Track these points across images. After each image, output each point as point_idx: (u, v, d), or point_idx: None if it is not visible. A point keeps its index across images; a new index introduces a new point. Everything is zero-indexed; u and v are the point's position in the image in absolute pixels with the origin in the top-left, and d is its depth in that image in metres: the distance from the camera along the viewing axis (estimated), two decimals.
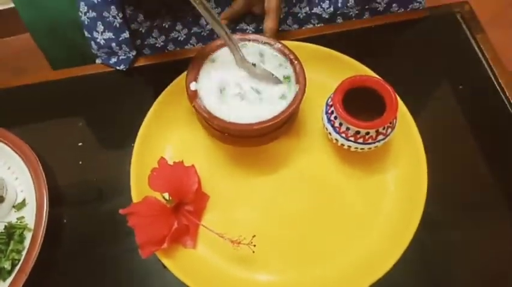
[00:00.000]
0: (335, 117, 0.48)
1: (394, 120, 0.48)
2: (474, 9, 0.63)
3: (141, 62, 0.62)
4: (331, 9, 0.63)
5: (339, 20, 0.64)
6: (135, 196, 0.49)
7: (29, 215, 0.52)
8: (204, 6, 0.46)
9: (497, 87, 0.57)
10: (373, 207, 0.50)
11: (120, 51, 0.61)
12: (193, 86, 0.49)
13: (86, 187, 0.55)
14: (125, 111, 0.58)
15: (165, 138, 0.54)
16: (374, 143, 0.48)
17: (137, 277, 0.49)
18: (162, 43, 0.64)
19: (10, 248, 0.49)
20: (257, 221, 0.50)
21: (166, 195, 0.48)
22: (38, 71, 0.68)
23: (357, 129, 0.47)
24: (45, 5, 0.67)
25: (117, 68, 0.61)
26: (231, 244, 0.45)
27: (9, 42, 1.42)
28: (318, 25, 0.65)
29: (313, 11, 0.64)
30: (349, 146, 0.49)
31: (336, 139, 0.49)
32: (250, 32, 0.65)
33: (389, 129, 0.48)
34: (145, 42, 0.64)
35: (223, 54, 0.52)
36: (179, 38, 0.65)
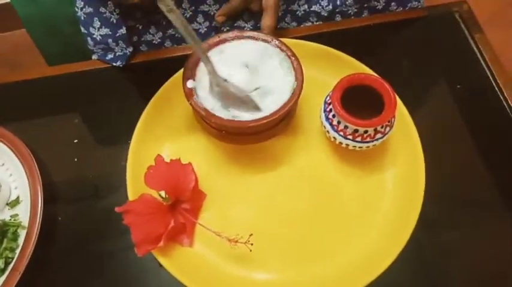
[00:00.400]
0: (333, 116, 0.48)
1: (393, 119, 0.48)
2: (473, 9, 0.63)
3: (138, 59, 0.61)
4: (330, 7, 0.63)
5: (338, 18, 0.64)
6: (131, 194, 0.49)
7: (23, 213, 0.51)
8: (176, 14, 0.44)
9: (496, 87, 0.57)
10: (371, 206, 0.50)
11: (116, 48, 0.60)
12: (190, 83, 0.48)
13: (82, 185, 0.54)
14: (122, 108, 0.58)
15: (161, 136, 0.54)
16: (372, 141, 0.48)
17: (133, 276, 0.48)
18: (159, 40, 0.64)
19: (3, 246, 0.48)
20: (254, 220, 0.49)
21: (162, 193, 0.47)
22: (34, 66, 0.68)
23: (355, 127, 0.46)
24: (42, 0, 0.66)
25: (114, 64, 0.61)
26: (228, 243, 0.44)
27: (5, 37, 1.41)
28: (317, 23, 0.64)
29: (311, 9, 0.63)
30: (347, 145, 0.49)
31: (334, 137, 0.49)
32: (248, 29, 0.64)
33: (388, 128, 0.48)
34: (142, 39, 0.64)
35: (220, 51, 0.51)
36: (176, 35, 0.64)
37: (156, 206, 0.46)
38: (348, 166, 0.52)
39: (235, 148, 0.53)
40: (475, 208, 0.51)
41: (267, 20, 0.57)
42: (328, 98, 0.49)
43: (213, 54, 0.50)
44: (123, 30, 0.59)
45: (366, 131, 0.47)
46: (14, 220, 0.51)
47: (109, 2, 0.57)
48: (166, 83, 0.54)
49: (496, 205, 0.51)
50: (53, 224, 0.51)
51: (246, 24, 0.64)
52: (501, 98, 0.56)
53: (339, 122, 0.48)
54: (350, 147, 0.49)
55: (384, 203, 0.49)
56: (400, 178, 0.50)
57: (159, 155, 0.48)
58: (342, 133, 0.48)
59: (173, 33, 0.64)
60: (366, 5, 0.64)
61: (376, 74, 0.51)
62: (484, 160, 0.53)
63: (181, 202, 0.48)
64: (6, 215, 0.51)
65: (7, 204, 0.52)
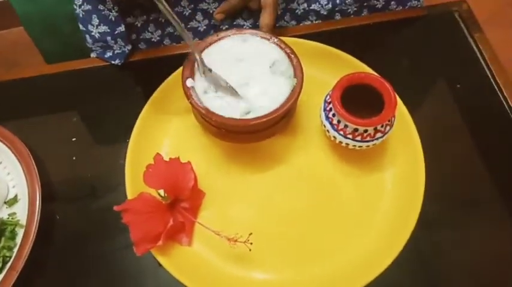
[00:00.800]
0: (333, 115, 0.48)
1: (393, 118, 0.48)
2: (472, 9, 0.63)
3: (136, 57, 0.61)
4: (330, 5, 0.62)
5: (337, 16, 0.64)
6: (130, 193, 0.48)
7: (20, 212, 0.51)
8: (163, 4, 0.45)
9: (495, 86, 0.57)
10: (371, 205, 0.49)
11: (115, 45, 0.60)
12: (189, 82, 0.48)
13: (80, 183, 0.54)
14: (120, 106, 0.58)
15: (160, 134, 0.53)
16: (372, 141, 0.47)
17: (131, 275, 0.48)
18: (158, 38, 0.64)
19: (1, 245, 0.48)
20: (254, 219, 0.49)
21: (161, 192, 0.47)
22: (32, 64, 0.67)
23: (355, 126, 0.46)
24: None
25: (112, 62, 0.60)
26: (227, 242, 0.44)
27: (3, 35, 1.40)
28: (316, 22, 0.64)
29: (311, 8, 0.63)
30: (347, 144, 0.48)
31: (334, 137, 0.49)
32: (247, 27, 0.64)
33: (388, 127, 0.48)
34: (141, 37, 0.63)
35: (219, 49, 0.51)
36: (175, 33, 0.64)
37: (155, 205, 0.45)
38: (347, 165, 0.51)
39: (234, 146, 0.53)
40: (474, 208, 0.51)
41: (265, 18, 0.57)
42: (328, 97, 0.49)
43: (212, 51, 0.50)
44: (121, 28, 0.59)
45: (365, 131, 0.47)
46: (12, 218, 0.50)
47: (107, 0, 0.57)
48: (165, 82, 0.54)
49: (496, 204, 0.51)
50: (51, 223, 0.51)
51: (245, 23, 0.64)
52: (500, 97, 0.56)
53: (338, 121, 0.47)
54: (350, 146, 0.49)
55: (384, 203, 0.49)
56: (400, 177, 0.50)
57: (158, 153, 0.47)
58: (341, 132, 0.48)
59: (172, 31, 0.64)
60: (365, 4, 0.64)
61: (376, 73, 0.51)
62: (484, 160, 0.53)
63: (181, 200, 0.47)
64: (4, 214, 0.51)
65: (5, 202, 0.52)
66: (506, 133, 0.55)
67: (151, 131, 0.53)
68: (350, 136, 0.47)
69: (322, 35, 0.61)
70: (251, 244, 0.44)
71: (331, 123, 0.48)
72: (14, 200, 0.52)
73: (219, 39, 0.51)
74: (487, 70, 0.58)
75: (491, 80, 0.57)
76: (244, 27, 0.64)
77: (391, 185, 0.50)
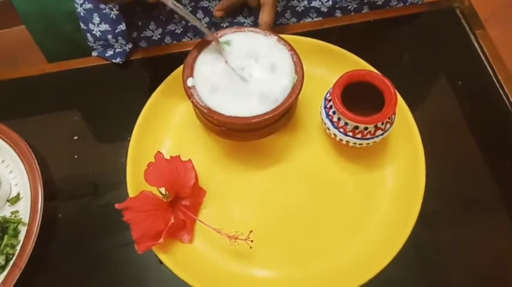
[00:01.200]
0: (334, 112, 0.48)
1: (393, 116, 0.48)
2: (474, 7, 0.63)
3: (137, 55, 0.61)
4: (330, 2, 0.62)
5: (338, 13, 0.64)
6: (131, 191, 0.48)
7: (23, 210, 0.51)
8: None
9: (497, 83, 0.57)
10: (371, 203, 0.49)
11: (116, 44, 0.60)
12: (190, 81, 0.48)
13: (81, 181, 0.54)
14: (121, 105, 0.58)
15: (161, 133, 0.54)
16: (372, 138, 0.47)
17: (133, 272, 0.49)
18: (159, 36, 0.64)
19: (4, 242, 0.48)
20: (254, 217, 0.49)
21: (162, 190, 0.47)
22: (33, 63, 0.67)
23: (355, 124, 0.46)
24: None
25: (113, 61, 0.60)
26: (228, 239, 0.44)
27: (4, 34, 1.40)
28: (317, 19, 0.64)
29: (311, 5, 0.63)
30: (348, 141, 0.48)
31: (335, 134, 0.49)
32: (247, 25, 0.64)
33: (388, 125, 0.48)
34: (142, 35, 0.63)
35: (219, 48, 0.51)
36: (176, 31, 0.64)
37: (156, 202, 0.45)
38: (348, 162, 0.51)
39: (235, 144, 0.53)
40: (475, 206, 0.51)
41: (264, 16, 0.57)
42: (328, 94, 0.49)
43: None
44: (122, 26, 0.59)
45: (366, 128, 0.47)
46: (15, 216, 0.51)
47: None
48: (166, 80, 0.54)
49: (497, 202, 0.51)
50: (53, 221, 0.51)
51: (245, 20, 0.64)
52: (502, 94, 0.56)
53: (339, 119, 0.47)
54: (350, 144, 0.49)
55: (384, 200, 0.49)
56: (400, 175, 0.50)
57: (159, 151, 0.48)
58: (342, 130, 0.48)
59: (173, 29, 0.64)
60: (366, 1, 0.63)
61: (376, 71, 0.51)
62: (485, 157, 0.53)
63: (182, 198, 0.48)
64: (6, 212, 0.51)
65: (8, 201, 0.52)
66: (507, 130, 0.55)
67: (152, 129, 0.53)
68: (350, 134, 0.47)
69: (323, 32, 0.60)
70: (252, 241, 0.44)
71: (331, 121, 0.48)
72: (17, 198, 0.52)
73: (220, 37, 0.51)
74: (488, 67, 0.58)
75: (493, 77, 0.57)
76: (245, 24, 0.64)
77: (392, 183, 0.50)
